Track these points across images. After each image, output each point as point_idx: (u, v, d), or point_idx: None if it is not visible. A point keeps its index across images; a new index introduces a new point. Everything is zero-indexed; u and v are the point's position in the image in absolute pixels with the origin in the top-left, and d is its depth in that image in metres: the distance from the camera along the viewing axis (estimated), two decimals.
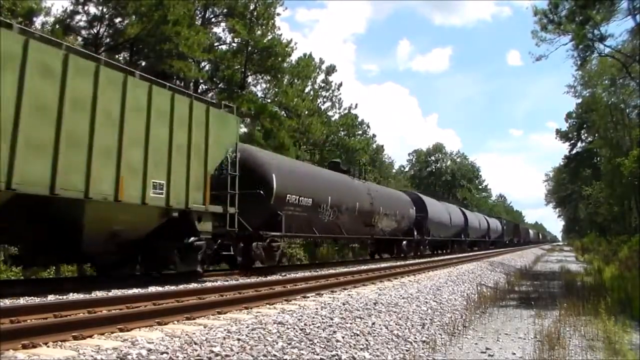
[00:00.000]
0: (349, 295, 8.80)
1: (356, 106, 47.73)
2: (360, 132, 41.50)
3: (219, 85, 26.42)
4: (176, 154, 9.36)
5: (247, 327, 5.46)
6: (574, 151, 59.30)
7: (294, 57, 29.21)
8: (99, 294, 7.55)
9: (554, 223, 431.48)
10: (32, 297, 7.06)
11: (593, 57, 26.72)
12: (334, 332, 5.95)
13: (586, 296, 10.13)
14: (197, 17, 24.35)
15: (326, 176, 17.09)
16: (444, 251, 32.38)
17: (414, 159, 76.53)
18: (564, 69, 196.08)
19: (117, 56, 21.93)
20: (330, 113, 36.72)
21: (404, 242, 22.79)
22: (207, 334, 5.00)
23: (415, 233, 23.84)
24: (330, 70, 35.77)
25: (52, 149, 7.19)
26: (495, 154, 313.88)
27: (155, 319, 5.47)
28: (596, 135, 48.02)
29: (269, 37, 26.26)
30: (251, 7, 25.75)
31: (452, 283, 12.89)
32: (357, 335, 6.15)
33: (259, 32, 25.90)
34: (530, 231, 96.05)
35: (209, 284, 9.38)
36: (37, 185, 7.01)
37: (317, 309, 7.00)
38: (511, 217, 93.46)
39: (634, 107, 35.62)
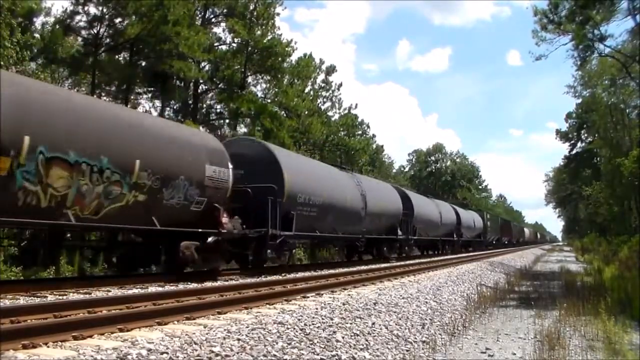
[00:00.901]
0: (349, 295, 8.80)
1: (356, 106, 47.76)
2: (360, 132, 41.57)
3: (219, 85, 26.43)
4: None
5: (247, 327, 5.46)
6: (574, 151, 59.34)
7: (294, 57, 29.28)
8: (99, 294, 7.55)
9: (554, 223, 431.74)
10: (32, 297, 7.07)
11: (593, 57, 26.71)
12: (334, 332, 5.94)
13: (586, 296, 10.13)
14: (197, 17, 24.38)
15: None
16: (359, 258, 19.37)
17: (413, 159, 76.62)
18: (564, 69, 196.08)
19: (117, 56, 21.96)
20: (330, 113, 36.82)
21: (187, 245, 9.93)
22: (207, 334, 5.00)
23: (221, 219, 10.91)
24: (330, 70, 35.84)
25: None
26: (495, 154, 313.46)
27: (155, 319, 5.47)
28: (596, 135, 48.01)
29: (269, 37, 26.29)
30: (251, 7, 25.78)
31: (452, 283, 12.89)
32: (357, 335, 6.15)
33: (259, 32, 25.93)
34: (526, 230, 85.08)
35: (208, 284, 9.37)
36: None
37: (317, 309, 7.00)
38: (511, 217, 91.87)
39: (634, 107, 35.62)
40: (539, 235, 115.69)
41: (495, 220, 50.21)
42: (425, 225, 24.58)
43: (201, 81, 25.10)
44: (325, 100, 36.31)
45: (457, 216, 31.80)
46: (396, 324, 7.24)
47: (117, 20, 20.75)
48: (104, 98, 21.47)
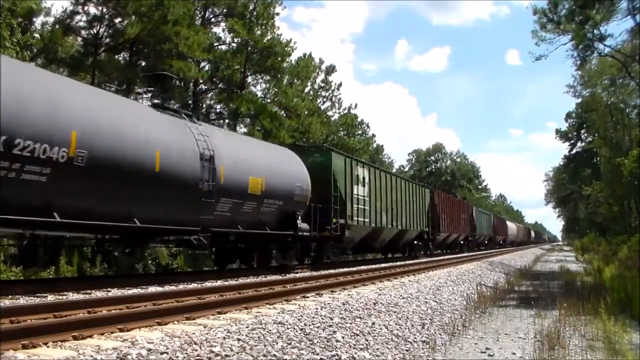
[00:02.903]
0: (349, 295, 8.80)
1: (356, 106, 47.81)
2: (360, 132, 41.57)
3: (219, 85, 26.42)
4: None
5: (247, 327, 5.46)
6: (573, 151, 59.46)
7: (293, 57, 29.26)
8: (99, 294, 7.55)
9: (553, 223, 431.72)
10: (32, 297, 7.06)
11: (593, 57, 26.74)
12: (334, 332, 5.94)
13: (586, 296, 10.13)
14: (197, 17, 24.35)
15: None
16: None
17: (413, 159, 76.68)
18: (564, 69, 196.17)
19: (117, 56, 21.93)
20: (330, 113, 36.79)
21: None
22: (207, 334, 5.00)
23: None
24: (330, 70, 35.84)
25: None
26: (495, 154, 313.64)
27: (155, 319, 5.47)
28: (596, 135, 48.01)
29: (269, 37, 26.26)
30: (251, 7, 25.76)
31: (452, 283, 12.89)
32: (357, 335, 6.15)
33: (258, 32, 25.89)
34: (511, 225, 61.74)
35: (208, 284, 9.37)
36: None
37: (317, 309, 7.00)
38: (510, 217, 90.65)
39: (634, 107, 35.64)
40: (533, 234, 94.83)
41: (418, 195, 23.50)
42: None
43: (201, 81, 25.09)
44: (324, 100, 36.34)
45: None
46: (396, 324, 7.24)
47: (117, 20, 20.73)
48: None
